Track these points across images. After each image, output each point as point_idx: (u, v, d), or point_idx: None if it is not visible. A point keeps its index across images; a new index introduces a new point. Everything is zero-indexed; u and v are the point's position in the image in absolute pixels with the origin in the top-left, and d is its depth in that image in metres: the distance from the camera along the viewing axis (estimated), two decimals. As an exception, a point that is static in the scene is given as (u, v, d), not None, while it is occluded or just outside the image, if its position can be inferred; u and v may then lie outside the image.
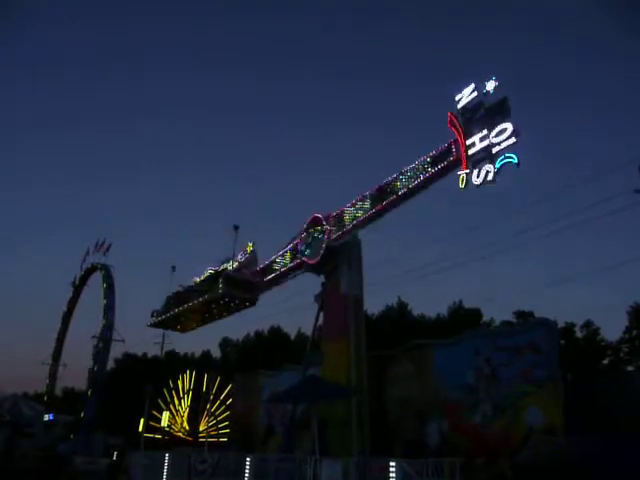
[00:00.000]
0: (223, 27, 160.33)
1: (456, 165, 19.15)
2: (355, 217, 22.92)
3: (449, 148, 19.58)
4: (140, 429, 31.07)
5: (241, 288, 28.11)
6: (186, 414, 37.13)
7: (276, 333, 51.14)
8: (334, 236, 23.45)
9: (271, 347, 45.84)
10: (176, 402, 37.32)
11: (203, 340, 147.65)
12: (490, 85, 18.32)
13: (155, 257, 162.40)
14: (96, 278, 44.84)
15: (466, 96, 19.21)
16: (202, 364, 48.45)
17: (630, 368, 34.32)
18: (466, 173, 18.39)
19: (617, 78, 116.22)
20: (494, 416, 18.03)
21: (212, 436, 31.76)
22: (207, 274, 30.56)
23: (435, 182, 20.37)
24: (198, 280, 31.28)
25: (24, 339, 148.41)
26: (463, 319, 37.67)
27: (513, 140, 17.40)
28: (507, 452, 15.67)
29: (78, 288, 47.30)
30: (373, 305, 43.39)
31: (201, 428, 35.60)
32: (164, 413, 35.92)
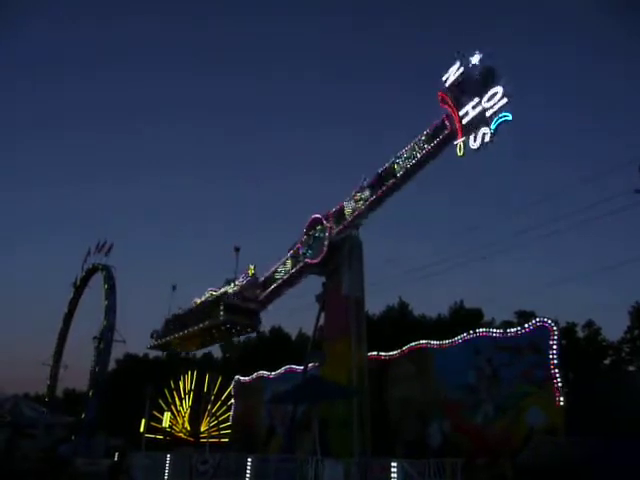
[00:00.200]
0: (223, 27, 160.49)
1: (452, 138, 19.53)
2: (355, 209, 23.00)
3: (443, 123, 19.95)
4: (141, 430, 31.07)
5: (242, 315, 28.06)
6: (187, 415, 37.15)
7: (277, 333, 51.14)
8: (335, 231, 23.54)
9: (272, 348, 45.84)
10: (177, 403, 37.35)
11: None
12: (475, 58, 18.90)
13: (156, 257, 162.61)
14: (97, 279, 44.85)
15: (453, 73, 19.67)
16: (203, 365, 48.45)
17: (631, 368, 34.32)
18: (463, 141, 18.88)
19: (617, 78, 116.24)
20: (495, 416, 18.03)
21: (213, 437, 31.73)
22: (207, 295, 30.41)
23: (433, 159, 20.79)
24: (198, 301, 31.14)
25: (24, 340, 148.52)
26: (464, 319, 37.67)
27: (505, 101, 17.86)
28: (508, 452, 15.66)
29: (79, 289, 47.27)
30: (374, 305, 43.42)
31: (202, 429, 35.62)
32: (165, 414, 35.93)
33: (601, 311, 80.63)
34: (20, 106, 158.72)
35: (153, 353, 58.94)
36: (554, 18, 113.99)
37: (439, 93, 19.99)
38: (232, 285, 28.74)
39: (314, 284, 25.15)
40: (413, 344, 22.24)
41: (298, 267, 25.65)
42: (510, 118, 17.92)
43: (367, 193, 22.58)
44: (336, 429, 20.31)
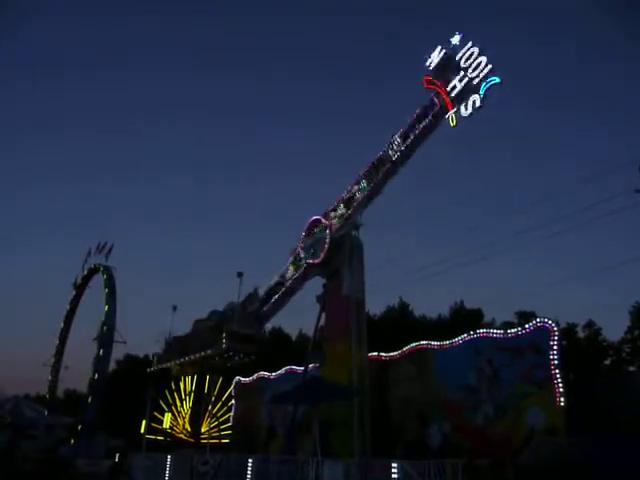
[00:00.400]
0: (223, 27, 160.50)
1: (443, 114, 20.13)
2: (354, 200, 23.09)
3: (432, 102, 20.59)
4: (142, 431, 31.07)
5: (245, 342, 27.62)
6: (188, 416, 37.07)
7: (277, 334, 51.10)
8: (336, 227, 23.57)
9: (273, 348, 45.78)
10: (178, 404, 37.25)
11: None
12: (455, 39, 19.92)
13: (156, 256, 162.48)
14: (97, 279, 44.85)
15: (436, 57, 20.55)
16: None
17: (632, 368, 34.29)
18: (454, 112, 19.53)
19: (617, 78, 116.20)
20: (496, 417, 18.03)
21: (214, 438, 31.70)
22: (210, 316, 29.99)
23: (425, 138, 21.16)
24: (202, 325, 30.55)
25: (25, 340, 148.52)
26: (464, 320, 37.66)
27: (490, 67, 18.73)
28: (509, 453, 15.67)
29: (79, 289, 47.27)
30: (374, 306, 43.39)
31: (203, 430, 35.55)
32: (166, 415, 35.87)
33: (601, 311, 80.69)
34: (20, 106, 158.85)
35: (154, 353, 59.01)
36: (554, 18, 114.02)
37: (425, 77, 20.74)
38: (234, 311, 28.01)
39: (314, 285, 25.21)
40: (413, 345, 22.24)
41: (300, 272, 25.48)
42: (498, 81, 18.68)
43: (364, 184, 22.76)
44: (336, 430, 20.31)
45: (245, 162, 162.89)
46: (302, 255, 24.98)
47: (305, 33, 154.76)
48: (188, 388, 37.16)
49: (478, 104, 18.89)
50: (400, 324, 39.86)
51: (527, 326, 18.33)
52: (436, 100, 20.41)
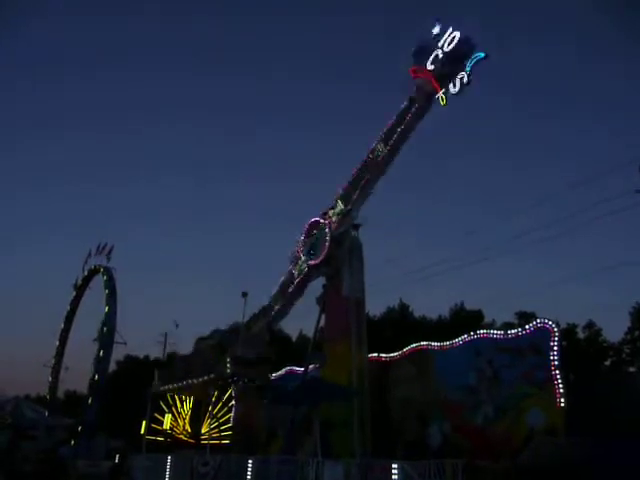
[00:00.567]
0: (223, 27, 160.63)
1: (430, 98, 21.15)
2: (350, 196, 23.19)
3: (418, 88, 21.57)
4: (142, 432, 31.08)
5: (250, 367, 26.32)
6: (188, 417, 37.06)
7: (277, 335, 51.08)
8: (335, 224, 23.57)
9: (273, 349, 45.75)
10: (178, 404, 37.25)
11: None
12: (436, 29, 21.15)
13: (156, 257, 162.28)
14: (98, 280, 44.83)
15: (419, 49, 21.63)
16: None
17: (632, 369, 34.27)
18: (443, 92, 20.40)
19: (617, 78, 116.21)
20: (496, 417, 18.06)
21: (214, 439, 31.71)
22: (212, 335, 29.33)
23: (416, 126, 21.82)
24: (204, 344, 29.80)
25: (25, 341, 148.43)
26: (465, 320, 37.66)
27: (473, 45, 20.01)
28: (509, 453, 15.68)
29: (80, 290, 47.27)
30: (374, 307, 43.37)
31: (203, 430, 35.52)
32: (166, 415, 35.87)
33: (601, 312, 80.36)
34: (20, 106, 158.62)
35: (154, 354, 59.05)
36: (554, 17, 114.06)
37: (409, 70, 21.87)
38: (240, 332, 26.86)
39: (314, 286, 25.16)
40: (414, 345, 22.27)
41: (302, 276, 25.14)
42: (482, 55, 19.62)
43: (363, 173, 23.04)
44: (337, 430, 20.33)
45: (245, 162, 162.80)
46: (302, 258, 24.74)
47: (305, 33, 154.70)
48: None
49: (466, 80, 19.72)
50: (400, 325, 39.88)
51: (527, 327, 18.37)
52: (425, 87, 21.30)
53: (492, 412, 18.21)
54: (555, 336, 17.26)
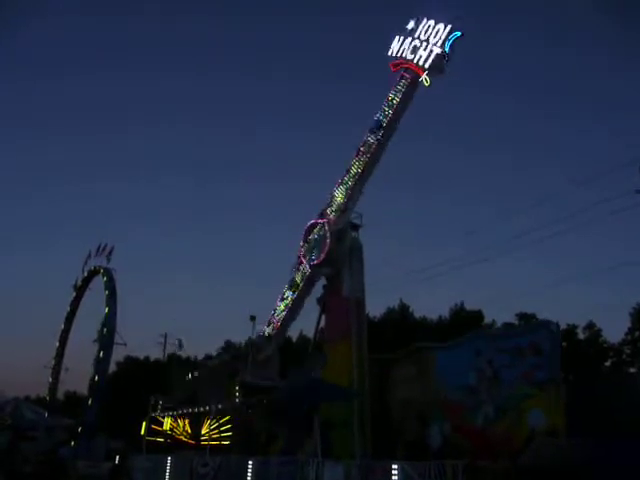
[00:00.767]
0: (223, 27, 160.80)
1: (415, 83, 22.70)
2: (347, 189, 23.42)
3: (402, 77, 23.08)
4: (142, 432, 31.03)
5: (261, 393, 24.20)
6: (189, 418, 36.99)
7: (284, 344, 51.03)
8: (333, 221, 23.60)
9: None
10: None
11: (206, 343, 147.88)
12: (410, 24, 23.19)
13: (156, 257, 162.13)
14: (98, 281, 44.79)
15: (396, 45, 23.54)
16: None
17: (632, 370, 34.24)
18: (426, 74, 22.00)
19: (617, 78, 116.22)
20: (496, 418, 18.03)
21: (214, 439, 31.69)
22: (221, 355, 28.29)
23: (404, 112, 23.20)
24: (211, 364, 28.52)
25: (25, 342, 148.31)
26: (465, 321, 37.62)
27: (449, 27, 21.89)
28: (509, 454, 15.66)
29: (80, 291, 47.24)
30: (375, 307, 43.33)
31: (203, 431, 35.48)
32: (166, 416, 35.84)
33: (602, 313, 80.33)
34: (20, 106, 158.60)
35: (154, 355, 59.01)
36: (554, 17, 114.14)
37: (390, 65, 23.64)
38: (250, 356, 25.22)
39: (315, 286, 25.05)
40: (414, 346, 22.27)
41: (306, 278, 24.65)
42: (459, 34, 21.86)
43: (353, 171, 23.43)
44: (337, 431, 20.32)
45: (245, 162, 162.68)
46: (304, 261, 24.38)
47: (305, 33, 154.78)
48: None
49: (446, 59, 21.86)
50: (400, 325, 39.82)
51: (527, 327, 18.36)
52: (407, 75, 22.90)
53: (492, 412, 18.19)
54: (555, 336, 17.26)
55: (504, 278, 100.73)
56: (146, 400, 30.68)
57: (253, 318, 25.71)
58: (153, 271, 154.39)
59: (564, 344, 30.61)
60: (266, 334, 25.96)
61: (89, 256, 45.21)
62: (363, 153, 23.33)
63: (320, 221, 24.02)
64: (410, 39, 23.08)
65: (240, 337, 63.05)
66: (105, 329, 39.57)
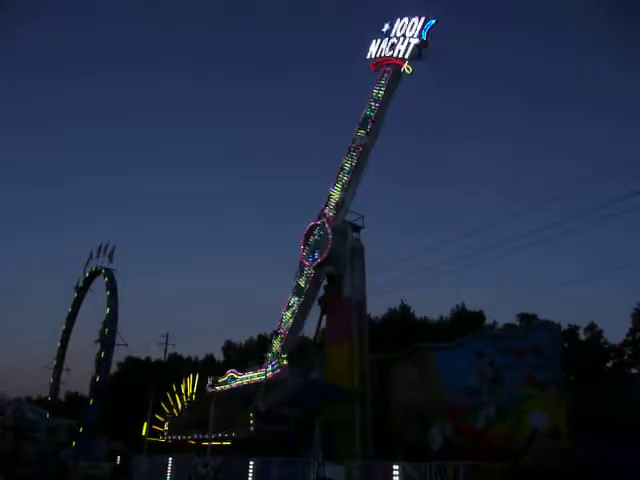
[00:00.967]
0: (223, 26, 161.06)
1: (397, 74, 23.85)
2: (342, 186, 23.66)
3: (384, 72, 24.22)
4: (143, 433, 31.04)
5: (276, 422, 23.17)
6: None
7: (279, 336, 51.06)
8: (332, 217, 23.65)
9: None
10: (179, 406, 37.23)
11: (206, 344, 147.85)
12: (385, 27, 24.52)
13: (156, 257, 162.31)
14: (99, 281, 44.84)
15: (374, 48, 24.83)
16: (206, 368, 48.41)
17: (633, 371, 34.22)
18: (407, 65, 23.30)
19: (617, 78, 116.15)
20: (497, 419, 18.02)
21: (215, 440, 31.72)
22: (231, 378, 26.29)
23: (389, 104, 24.15)
24: (218, 388, 26.74)
25: (26, 343, 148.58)
26: (466, 322, 37.59)
27: (423, 19, 23.45)
28: (511, 455, 15.65)
29: (81, 292, 47.27)
30: (376, 308, 43.37)
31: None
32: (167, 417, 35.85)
33: (603, 314, 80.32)
34: (20, 106, 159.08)
35: (155, 356, 59.01)
36: (554, 16, 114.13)
37: (371, 65, 24.84)
38: (263, 373, 23.84)
39: (320, 288, 24.89)
40: (415, 347, 22.25)
41: (310, 282, 24.25)
42: (434, 22, 23.33)
43: (347, 167, 23.82)
44: (338, 432, 20.30)
45: (246, 162, 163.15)
46: (307, 264, 24.07)
47: (306, 32, 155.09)
48: (189, 390, 37.15)
49: (425, 47, 23.17)
50: (401, 326, 39.79)
51: (529, 328, 18.34)
52: (388, 69, 24.05)
53: (494, 414, 18.17)
54: (557, 337, 17.25)
55: (505, 279, 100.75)
56: (147, 401, 30.64)
57: (276, 334, 24.66)
58: (154, 272, 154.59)
59: (565, 345, 30.62)
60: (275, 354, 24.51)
61: (90, 257, 45.28)
62: (354, 149, 23.91)
63: (319, 222, 24.02)
64: (387, 39, 24.46)
65: (240, 337, 63.42)
66: (106, 330, 39.59)
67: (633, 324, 34.67)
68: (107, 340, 39.43)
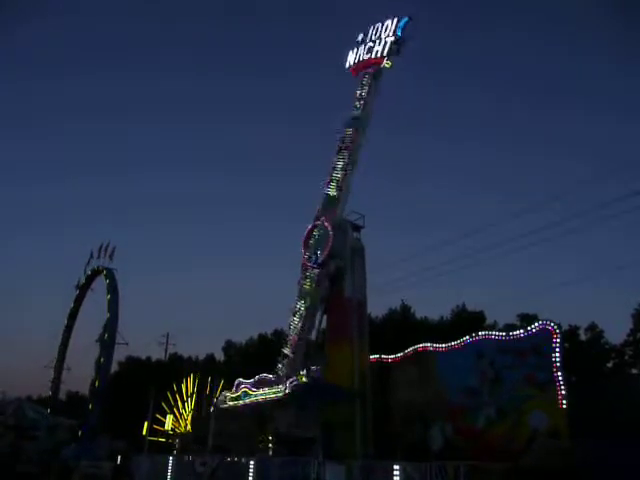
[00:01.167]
0: (223, 26, 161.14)
1: (378, 72, 24.85)
2: (337, 185, 23.75)
3: (365, 73, 25.26)
4: (144, 432, 31.09)
5: (295, 444, 21.16)
6: (190, 417, 37.13)
7: (279, 336, 51.08)
8: (331, 215, 23.58)
9: (274, 350, 45.73)
10: (180, 405, 37.32)
11: (207, 343, 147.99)
12: (360, 36, 25.96)
13: (157, 256, 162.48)
14: (100, 281, 44.85)
15: (351, 56, 26.13)
16: (206, 367, 48.46)
17: (634, 371, 34.20)
18: (386, 60, 24.49)
19: (617, 78, 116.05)
20: (498, 419, 18.02)
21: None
22: (244, 394, 24.31)
23: (374, 102, 24.99)
24: (230, 403, 24.37)
25: (27, 343, 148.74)
26: (466, 322, 37.60)
27: (396, 20, 24.57)
28: (511, 455, 15.65)
29: (82, 291, 47.30)
30: (376, 308, 43.32)
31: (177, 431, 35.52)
32: (168, 416, 35.93)
33: (604, 314, 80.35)
34: (20, 106, 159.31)
35: (155, 355, 59.06)
36: (554, 16, 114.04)
37: (351, 71, 26.08)
38: (279, 390, 21.51)
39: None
40: (415, 347, 22.25)
41: (315, 282, 23.55)
42: (407, 19, 24.38)
43: (340, 164, 24.07)
44: (338, 431, 20.30)
45: (245, 161, 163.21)
46: (310, 265, 23.65)
47: (305, 32, 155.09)
48: (190, 390, 37.23)
49: (401, 40, 24.22)
50: (402, 326, 39.80)
51: (529, 328, 18.33)
52: (369, 70, 25.15)
53: (494, 414, 18.18)
54: (557, 338, 17.23)
55: (506, 279, 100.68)
56: (148, 401, 30.59)
57: (286, 342, 23.70)
58: (155, 271, 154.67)
59: (566, 345, 30.53)
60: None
61: (91, 256, 45.30)
62: (345, 147, 24.30)
63: (317, 222, 24.01)
64: (363, 46, 25.74)
65: (240, 337, 63.40)
66: (107, 329, 39.60)
67: (633, 324, 34.64)
68: (107, 339, 39.43)
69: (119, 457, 29.04)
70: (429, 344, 21.69)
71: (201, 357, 62.15)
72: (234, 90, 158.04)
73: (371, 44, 25.33)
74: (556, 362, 16.90)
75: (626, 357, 35.06)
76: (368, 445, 20.28)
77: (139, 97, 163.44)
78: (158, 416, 35.51)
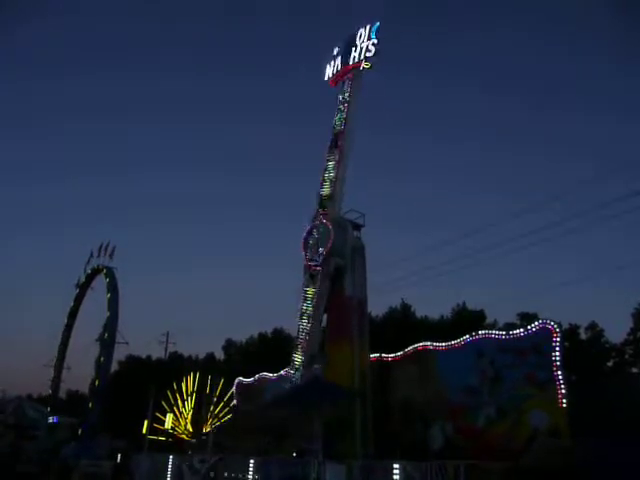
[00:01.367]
0: (223, 26, 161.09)
1: (358, 75, 26.11)
2: (331, 183, 24.02)
3: (346, 79, 26.52)
4: (144, 431, 31.05)
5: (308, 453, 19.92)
6: (190, 416, 37.10)
7: (279, 335, 51.13)
8: (330, 213, 23.62)
9: (274, 349, 45.78)
10: (180, 404, 37.26)
11: (207, 342, 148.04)
12: (335, 50, 27.29)
13: (157, 256, 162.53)
14: (100, 280, 44.84)
15: (329, 70, 27.30)
16: (206, 366, 48.45)
17: (634, 370, 34.19)
18: (364, 63, 25.57)
19: (617, 78, 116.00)
20: (498, 418, 18.02)
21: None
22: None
23: (357, 104, 26.04)
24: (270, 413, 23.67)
25: (27, 342, 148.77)
26: (467, 321, 37.58)
27: (369, 26, 25.76)
28: (511, 454, 15.64)
29: (82, 290, 47.30)
30: (376, 307, 43.37)
31: (205, 430, 35.51)
32: (168, 415, 35.87)
33: (604, 313, 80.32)
34: (20, 106, 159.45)
35: (156, 354, 59.08)
36: (554, 16, 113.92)
37: (330, 83, 27.36)
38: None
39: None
40: (415, 346, 22.24)
41: (319, 281, 23.32)
42: (378, 24, 25.68)
43: (331, 162, 24.59)
44: (338, 431, 20.29)
45: (245, 161, 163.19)
46: (312, 265, 23.51)
47: (305, 32, 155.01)
48: (190, 388, 37.18)
49: (376, 43, 25.28)
50: (402, 325, 39.79)
51: (529, 327, 18.32)
52: (349, 75, 26.26)
53: (494, 413, 18.18)
54: (557, 337, 17.22)
55: (506, 278, 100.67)
56: (148, 400, 30.59)
57: (296, 347, 23.18)
58: (155, 270, 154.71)
59: (566, 344, 30.51)
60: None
61: (91, 255, 45.29)
62: (336, 146, 24.76)
63: (316, 222, 23.96)
64: (340, 57, 26.92)
65: (241, 336, 63.40)
66: (107, 328, 39.60)
67: (634, 323, 34.62)
68: (108, 338, 39.44)
69: (119, 456, 29.00)
70: (429, 343, 21.69)
71: (201, 356, 62.22)
72: (234, 90, 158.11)
73: (348, 55, 26.40)
74: (556, 361, 16.90)
75: (626, 356, 35.04)
76: (368, 444, 20.28)
77: (139, 97, 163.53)
78: (158, 415, 35.47)
